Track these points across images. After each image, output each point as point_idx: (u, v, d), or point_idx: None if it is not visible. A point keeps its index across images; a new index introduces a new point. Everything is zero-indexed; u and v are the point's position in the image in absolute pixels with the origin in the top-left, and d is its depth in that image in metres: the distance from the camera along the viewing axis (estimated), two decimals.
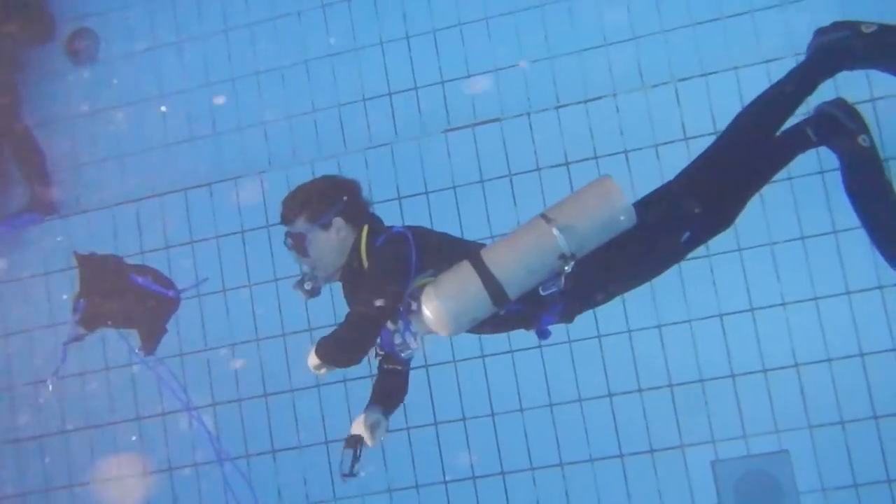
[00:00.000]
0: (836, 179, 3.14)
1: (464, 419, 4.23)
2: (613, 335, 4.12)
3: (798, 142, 3.03)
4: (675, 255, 3.04)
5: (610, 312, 3.97)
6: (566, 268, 2.64)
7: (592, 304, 3.00)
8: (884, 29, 2.98)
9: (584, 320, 3.84)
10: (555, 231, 2.62)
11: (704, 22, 4.29)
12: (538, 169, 4.24)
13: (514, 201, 4.23)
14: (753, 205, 3.03)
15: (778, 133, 3.03)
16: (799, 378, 3.94)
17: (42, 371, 4.65)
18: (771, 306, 3.99)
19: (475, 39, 4.54)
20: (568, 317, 2.94)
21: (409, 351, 2.78)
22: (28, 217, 4.80)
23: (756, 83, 3.47)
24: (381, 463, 4.27)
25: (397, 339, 2.75)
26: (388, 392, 3.04)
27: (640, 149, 4.14)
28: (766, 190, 3.07)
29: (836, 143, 3.02)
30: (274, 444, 4.42)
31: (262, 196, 4.51)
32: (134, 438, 4.58)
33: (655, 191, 3.02)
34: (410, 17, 4.63)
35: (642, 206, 2.87)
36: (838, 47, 3.00)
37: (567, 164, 4.21)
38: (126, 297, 3.28)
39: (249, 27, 4.81)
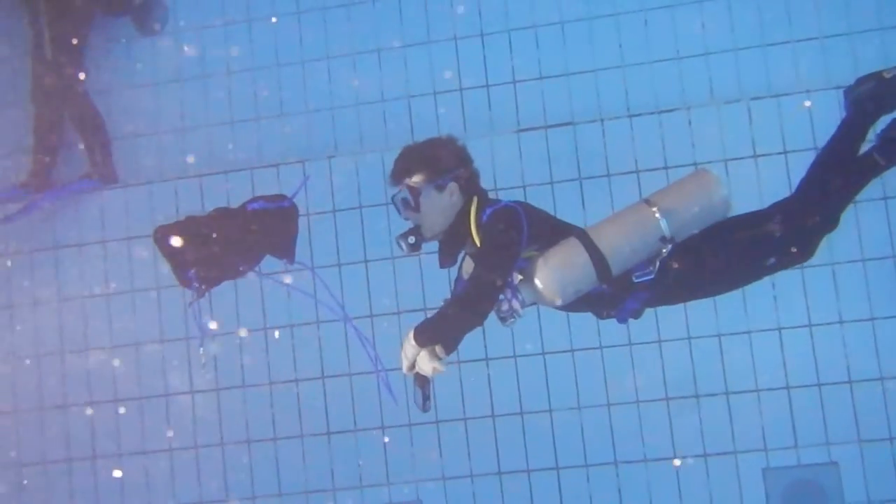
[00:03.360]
0: None
1: (521, 412, 4.34)
2: (673, 341, 4.24)
3: (868, 169, 3.16)
4: (757, 273, 3.18)
5: (671, 320, 4.15)
6: (664, 250, 2.83)
7: (671, 301, 3.17)
8: None
9: (646, 325, 4.03)
10: (657, 214, 2.80)
11: (776, 44, 4.43)
12: (608, 175, 4.35)
13: (583, 204, 4.33)
14: None
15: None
16: (851, 393, 4.10)
17: (94, 339, 4.72)
18: (829, 323, 4.15)
19: (550, 42, 4.64)
20: (650, 304, 3.07)
21: (514, 319, 2.85)
22: (87, 183, 4.79)
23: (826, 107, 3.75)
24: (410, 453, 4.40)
25: (504, 307, 2.81)
26: None
27: (710, 161, 4.25)
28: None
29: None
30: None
31: (330, 180, 4.56)
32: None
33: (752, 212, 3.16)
34: (485, 16, 4.71)
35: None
36: (868, 97, 3.14)
37: (637, 171, 4.32)
38: (246, 233, 3.23)
39: (322, 11, 4.84)
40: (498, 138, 4.44)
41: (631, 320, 3.10)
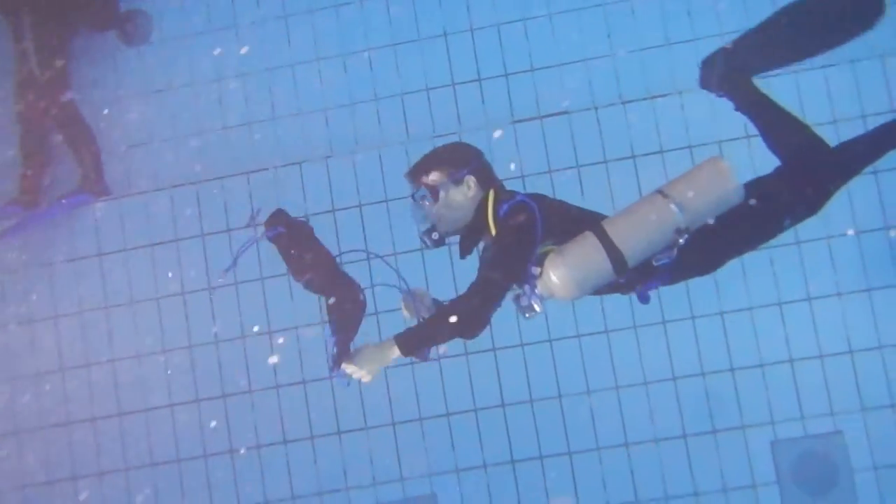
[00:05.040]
0: None
1: (531, 400, 4.39)
2: (677, 321, 4.32)
3: (889, 138, 3.24)
4: (772, 233, 3.23)
5: (674, 299, 4.22)
6: (680, 240, 2.84)
7: (696, 274, 3.18)
8: None
9: (650, 307, 4.09)
10: (673, 206, 2.81)
11: None
12: (605, 161, 4.42)
13: (582, 191, 4.39)
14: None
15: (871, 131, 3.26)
16: (853, 363, 4.21)
17: (94, 354, 4.69)
18: (827, 296, 4.26)
19: (539, 35, 4.72)
20: (673, 282, 3.12)
21: (533, 313, 2.90)
22: (80, 197, 4.75)
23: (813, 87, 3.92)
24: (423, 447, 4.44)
25: (523, 302, 2.87)
26: None
27: (704, 144, 4.35)
28: None
29: None
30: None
31: (328, 180, 4.58)
32: None
33: (762, 177, 3.21)
34: (474, 11, 4.77)
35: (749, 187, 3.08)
36: None
37: (633, 157, 4.40)
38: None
39: (310, 14, 4.87)
40: (493, 130, 4.49)
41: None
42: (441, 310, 2.83)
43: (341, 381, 2.88)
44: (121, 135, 4.95)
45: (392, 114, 4.75)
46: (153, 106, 4.95)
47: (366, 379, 2.78)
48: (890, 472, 4.14)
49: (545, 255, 2.86)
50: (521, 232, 2.82)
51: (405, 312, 3.06)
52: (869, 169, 3.19)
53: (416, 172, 3.03)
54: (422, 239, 3.00)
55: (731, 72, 3.13)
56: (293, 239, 2.96)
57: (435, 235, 2.99)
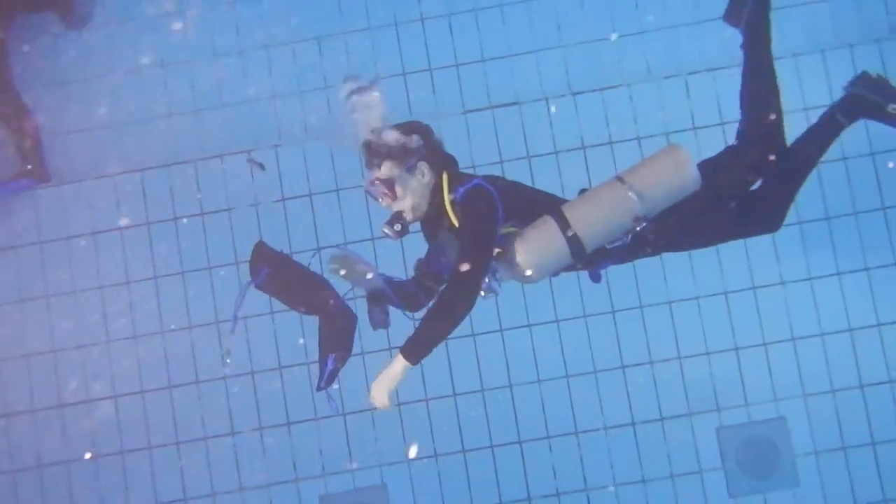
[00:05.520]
0: None
1: (482, 390, 4.41)
2: (626, 311, 4.38)
3: (831, 129, 3.31)
4: (722, 231, 3.29)
5: (623, 289, 4.29)
6: (638, 228, 2.91)
7: (645, 254, 3.20)
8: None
9: (600, 297, 4.15)
10: (632, 195, 2.86)
11: (708, 21, 4.58)
12: (556, 152, 4.46)
13: (533, 182, 4.39)
14: None
15: (811, 126, 3.34)
16: (795, 351, 4.32)
17: (34, 344, 4.56)
18: (771, 285, 4.36)
19: (490, 26, 4.71)
20: (624, 262, 3.18)
21: (493, 294, 2.96)
22: (19, 183, 4.61)
23: None
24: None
25: (483, 284, 2.88)
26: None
27: (651, 136, 4.41)
28: None
29: (868, 117, 3.26)
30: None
31: (278, 169, 4.53)
32: None
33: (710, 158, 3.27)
34: (425, 0, 4.75)
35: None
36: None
37: (584, 147, 4.44)
38: None
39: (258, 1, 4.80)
40: (445, 120, 4.49)
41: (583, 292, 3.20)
42: (434, 308, 2.84)
43: (331, 404, 2.94)
44: (61, 121, 4.80)
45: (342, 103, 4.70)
46: (95, 91, 4.81)
47: (386, 405, 2.76)
48: (829, 455, 4.26)
49: (505, 237, 2.88)
50: (483, 219, 2.84)
51: (340, 272, 2.98)
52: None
53: (369, 165, 3.01)
54: (383, 232, 2.97)
55: (758, 17, 3.21)
56: (279, 276, 2.93)
57: (397, 226, 2.96)
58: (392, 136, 3.01)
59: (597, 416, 4.34)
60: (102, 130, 4.77)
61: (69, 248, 4.60)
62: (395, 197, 2.97)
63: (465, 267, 2.78)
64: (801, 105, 4.30)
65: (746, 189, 3.22)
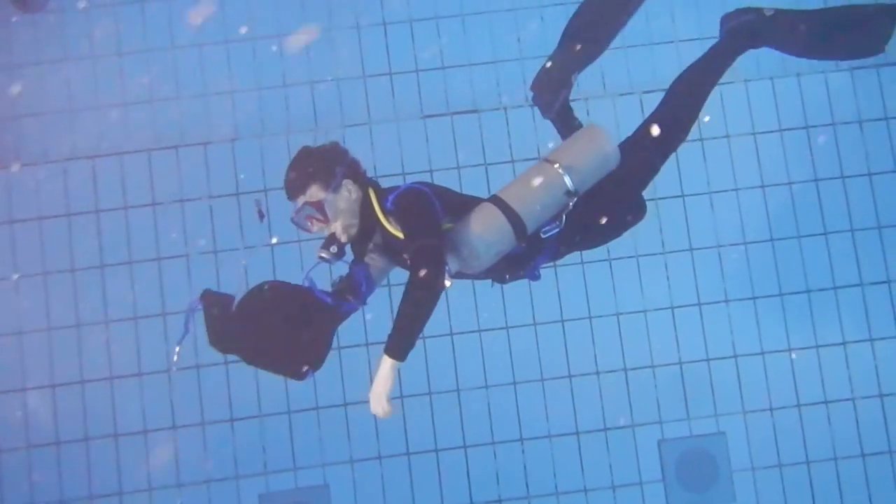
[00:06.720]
0: None
1: (429, 393, 4.41)
2: (575, 321, 4.43)
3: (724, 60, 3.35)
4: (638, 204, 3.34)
5: (573, 299, 4.35)
6: (570, 203, 2.97)
7: (574, 246, 3.24)
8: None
9: (549, 306, 4.20)
10: (560, 170, 2.93)
11: (661, 43, 4.72)
12: (513, 161, 4.51)
13: (489, 190, 4.43)
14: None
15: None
16: (737, 368, 4.43)
17: None
18: (716, 302, 4.46)
19: (451, 33, 4.75)
20: (560, 255, 3.21)
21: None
22: None
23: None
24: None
25: None
26: None
27: None
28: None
29: (758, 43, 3.35)
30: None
31: (234, 163, 4.50)
32: None
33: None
34: (388, 6, 4.77)
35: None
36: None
37: (540, 158, 4.45)
38: None
39: None
40: (404, 124, 4.52)
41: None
42: (407, 292, 2.75)
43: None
44: (12, 105, 4.68)
45: (301, 102, 4.69)
46: (49, 76, 4.71)
47: (388, 410, 2.72)
48: (766, 472, 4.36)
49: (447, 231, 2.88)
50: (424, 211, 2.83)
51: None
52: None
53: (293, 193, 2.96)
54: (321, 257, 2.92)
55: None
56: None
57: (333, 248, 2.92)
58: (309, 160, 2.99)
59: (542, 424, 4.38)
60: (54, 115, 4.68)
61: (13, 234, 4.50)
62: (326, 219, 2.94)
63: (422, 241, 2.76)
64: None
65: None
